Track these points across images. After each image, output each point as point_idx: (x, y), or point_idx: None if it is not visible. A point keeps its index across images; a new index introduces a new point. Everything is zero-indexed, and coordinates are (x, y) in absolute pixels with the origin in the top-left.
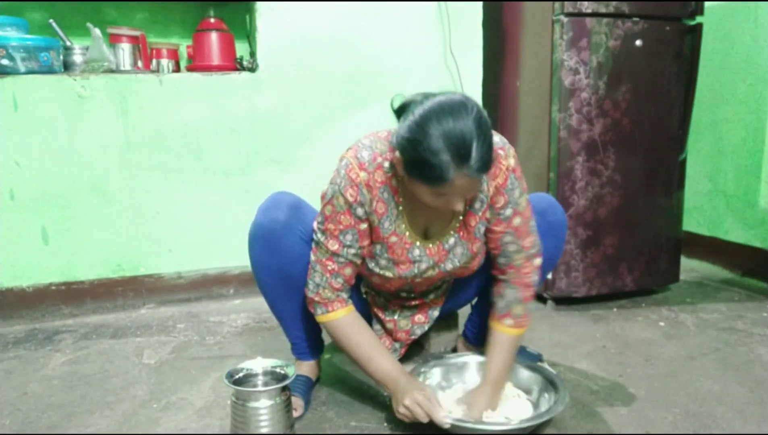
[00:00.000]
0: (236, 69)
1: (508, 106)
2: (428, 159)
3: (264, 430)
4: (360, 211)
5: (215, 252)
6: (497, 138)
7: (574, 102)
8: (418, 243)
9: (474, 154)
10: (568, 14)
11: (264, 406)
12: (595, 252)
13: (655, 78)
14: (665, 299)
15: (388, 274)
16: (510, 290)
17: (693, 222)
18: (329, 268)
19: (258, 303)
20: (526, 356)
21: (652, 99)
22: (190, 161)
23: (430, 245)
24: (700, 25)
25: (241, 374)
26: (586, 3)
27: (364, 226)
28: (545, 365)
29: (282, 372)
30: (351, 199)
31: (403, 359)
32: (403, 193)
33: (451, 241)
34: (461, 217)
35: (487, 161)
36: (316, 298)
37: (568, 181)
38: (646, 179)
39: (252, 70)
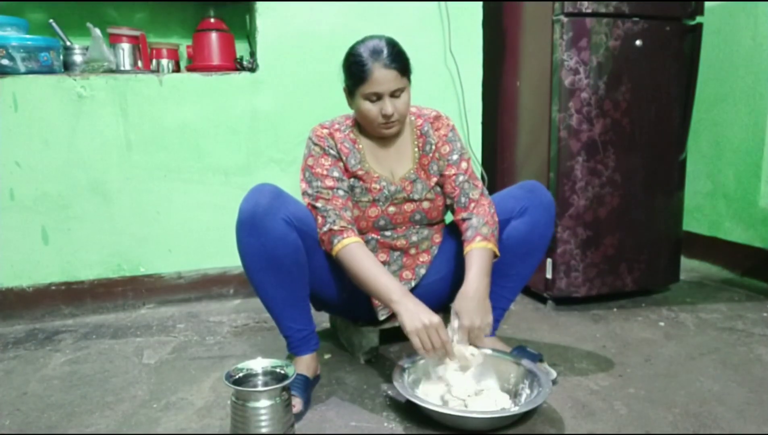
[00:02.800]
0: (236, 69)
1: (508, 106)
2: (353, 61)
3: (264, 430)
4: (333, 152)
5: (215, 252)
6: (440, 111)
7: (574, 102)
8: (383, 177)
9: (385, 51)
10: (568, 14)
11: (264, 406)
12: (595, 252)
13: (655, 78)
14: (665, 299)
15: (364, 198)
16: (474, 219)
17: (693, 222)
18: (338, 204)
19: (258, 303)
20: (526, 356)
21: (652, 99)
22: (190, 161)
23: (395, 180)
24: (700, 25)
25: (241, 374)
26: (586, 3)
27: (341, 163)
28: (545, 365)
29: (282, 372)
30: (323, 145)
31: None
32: (361, 142)
33: (412, 176)
34: (417, 160)
35: (399, 58)
36: (335, 227)
37: (568, 181)
38: (646, 179)
39: (252, 70)
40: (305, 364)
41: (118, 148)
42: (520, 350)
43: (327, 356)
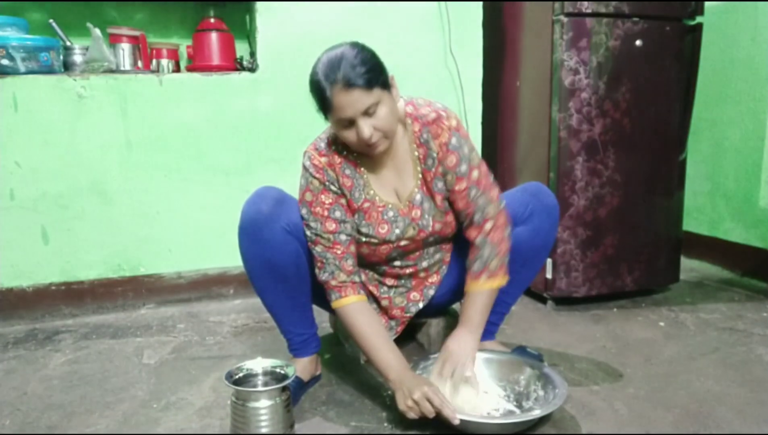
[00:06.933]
0: (236, 69)
1: (508, 106)
2: (314, 87)
3: (264, 430)
4: (334, 188)
5: (215, 252)
6: (439, 105)
7: (574, 102)
8: (390, 205)
9: (341, 69)
10: (568, 14)
11: (264, 406)
12: (595, 252)
13: (655, 78)
14: (665, 299)
15: (374, 240)
16: (486, 248)
17: (693, 222)
18: (338, 251)
19: (258, 303)
20: (526, 356)
21: (652, 99)
22: (190, 161)
23: (402, 206)
24: (700, 25)
25: (241, 374)
26: (586, 3)
27: (343, 200)
28: (545, 365)
29: (282, 372)
30: (323, 179)
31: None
32: (362, 164)
33: (418, 197)
34: (420, 176)
35: (361, 72)
36: (333, 282)
37: (568, 181)
38: (646, 179)
39: (252, 70)
40: (302, 366)
41: (118, 148)
42: (520, 351)
43: (327, 356)
